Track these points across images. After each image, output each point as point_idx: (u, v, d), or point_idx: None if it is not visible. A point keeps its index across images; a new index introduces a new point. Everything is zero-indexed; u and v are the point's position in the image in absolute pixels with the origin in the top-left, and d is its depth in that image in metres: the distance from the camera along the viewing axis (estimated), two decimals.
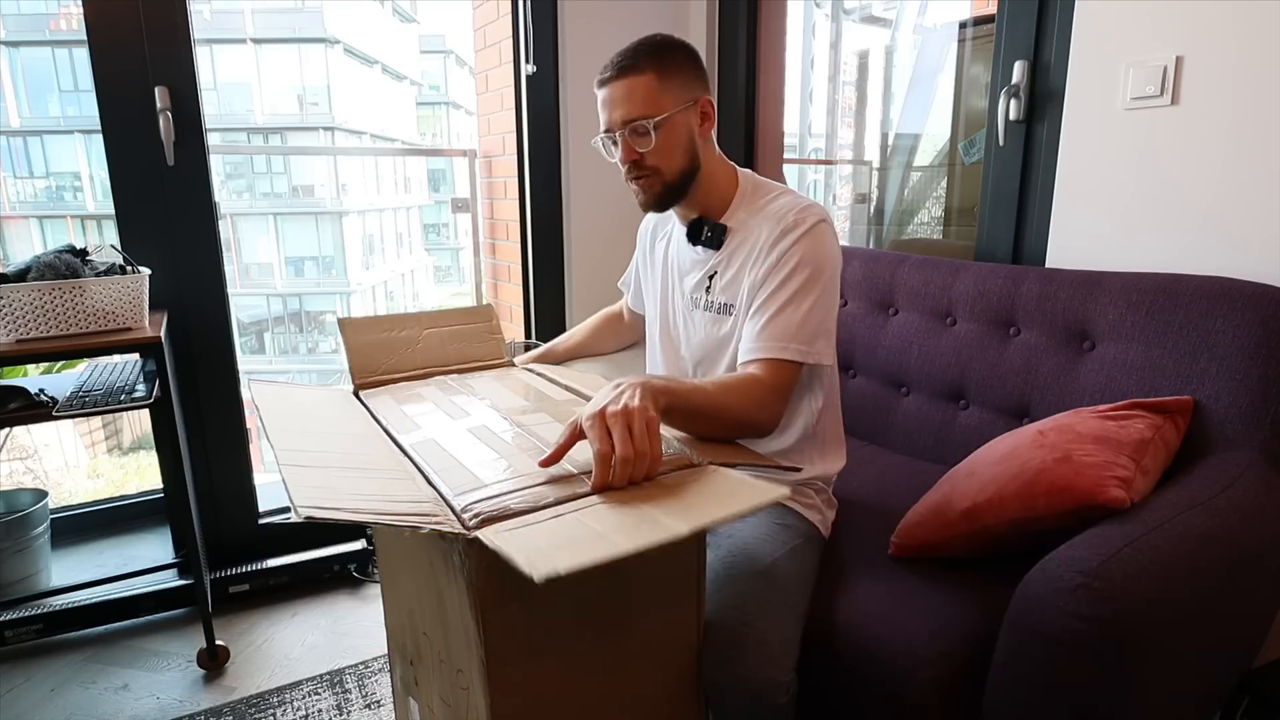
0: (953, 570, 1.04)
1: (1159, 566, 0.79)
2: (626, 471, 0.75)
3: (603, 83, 1.06)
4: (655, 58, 1.04)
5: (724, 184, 1.12)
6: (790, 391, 1.02)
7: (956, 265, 1.47)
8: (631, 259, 1.37)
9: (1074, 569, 0.79)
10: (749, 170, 1.16)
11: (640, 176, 1.08)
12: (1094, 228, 1.36)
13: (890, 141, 2.96)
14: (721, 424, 0.93)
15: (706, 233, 1.11)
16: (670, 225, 1.23)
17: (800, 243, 1.02)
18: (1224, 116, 1.18)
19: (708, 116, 1.08)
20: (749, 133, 2.25)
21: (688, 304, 1.17)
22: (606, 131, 1.08)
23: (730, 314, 1.10)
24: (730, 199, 1.12)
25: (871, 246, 2.60)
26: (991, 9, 1.61)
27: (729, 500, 0.72)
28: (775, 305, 1.01)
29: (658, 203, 1.10)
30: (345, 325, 1.17)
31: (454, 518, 0.70)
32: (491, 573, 0.70)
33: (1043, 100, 1.43)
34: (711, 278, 1.13)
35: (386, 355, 1.17)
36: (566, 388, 1.11)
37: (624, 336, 1.44)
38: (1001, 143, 1.49)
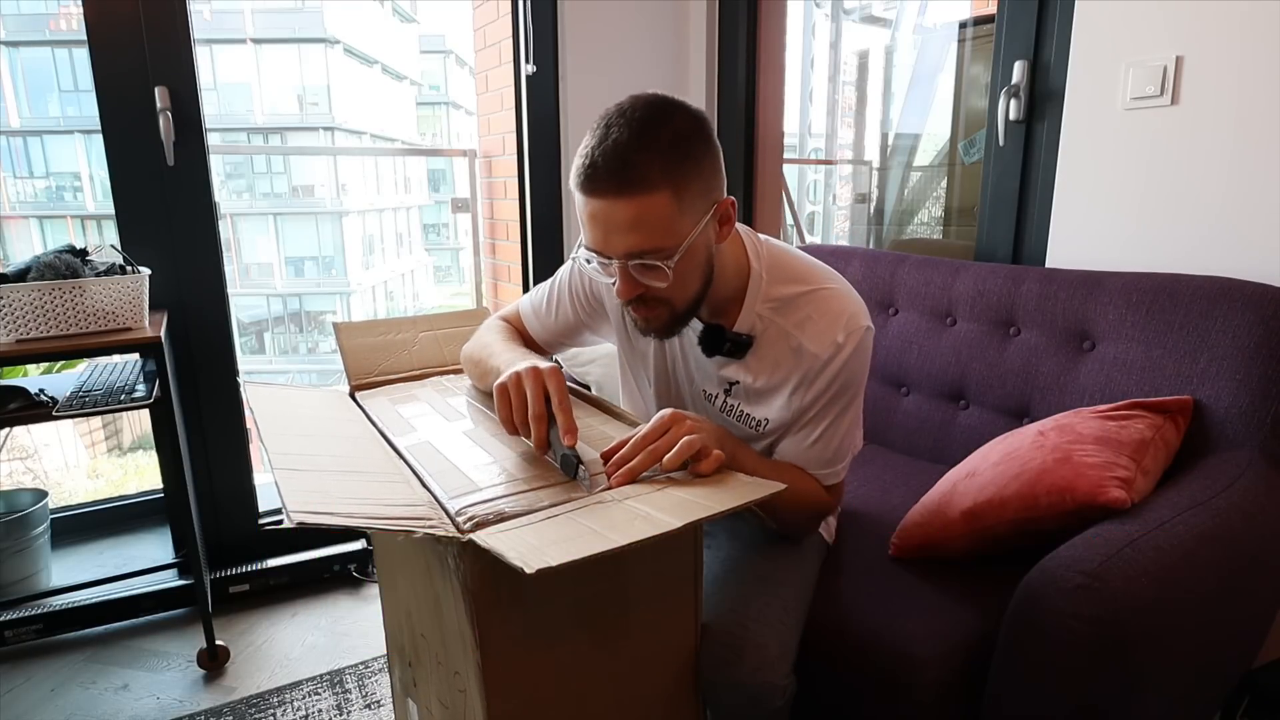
0: (953, 570, 1.03)
1: (1159, 567, 0.79)
2: (642, 453, 0.77)
3: (595, 192, 0.78)
4: (671, 166, 0.77)
5: (736, 274, 0.93)
6: (841, 500, 1.05)
7: (956, 265, 1.47)
8: (551, 296, 1.12)
9: (1074, 569, 0.79)
10: (753, 235, 0.97)
11: (644, 308, 0.87)
12: (1094, 228, 1.36)
13: (890, 141, 2.96)
14: (781, 510, 0.94)
15: (728, 346, 0.94)
16: None
17: (849, 362, 0.91)
18: (1224, 116, 1.18)
19: (728, 219, 0.86)
20: (749, 133, 2.25)
21: (698, 393, 1.03)
22: (594, 252, 0.83)
23: (755, 428, 0.98)
24: (744, 287, 0.94)
25: (871, 246, 2.60)
26: (991, 9, 1.61)
27: (723, 496, 0.72)
28: (822, 429, 0.93)
29: (666, 332, 0.92)
30: (340, 329, 1.17)
31: (448, 521, 0.70)
32: (486, 576, 0.70)
33: (1043, 100, 1.43)
34: (733, 384, 0.98)
35: (383, 357, 1.17)
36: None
37: None
38: (1001, 143, 1.49)
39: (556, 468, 0.80)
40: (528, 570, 0.57)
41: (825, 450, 0.95)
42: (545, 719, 0.79)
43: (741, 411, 0.99)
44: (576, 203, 0.82)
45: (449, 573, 0.74)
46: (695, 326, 0.96)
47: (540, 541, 0.64)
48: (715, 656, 0.85)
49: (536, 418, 0.81)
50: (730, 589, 0.93)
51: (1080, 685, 0.77)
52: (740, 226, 0.96)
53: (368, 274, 16.94)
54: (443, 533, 0.67)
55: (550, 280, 1.13)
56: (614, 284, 0.84)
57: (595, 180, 0.78)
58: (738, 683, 0.83)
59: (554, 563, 0.58)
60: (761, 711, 0.84)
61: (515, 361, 0.89)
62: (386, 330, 1.20)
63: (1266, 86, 1.13)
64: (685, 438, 0.77)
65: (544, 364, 0.87)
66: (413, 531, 0.66)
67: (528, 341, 1.14)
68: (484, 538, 0.65)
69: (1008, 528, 0.98)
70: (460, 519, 0.70)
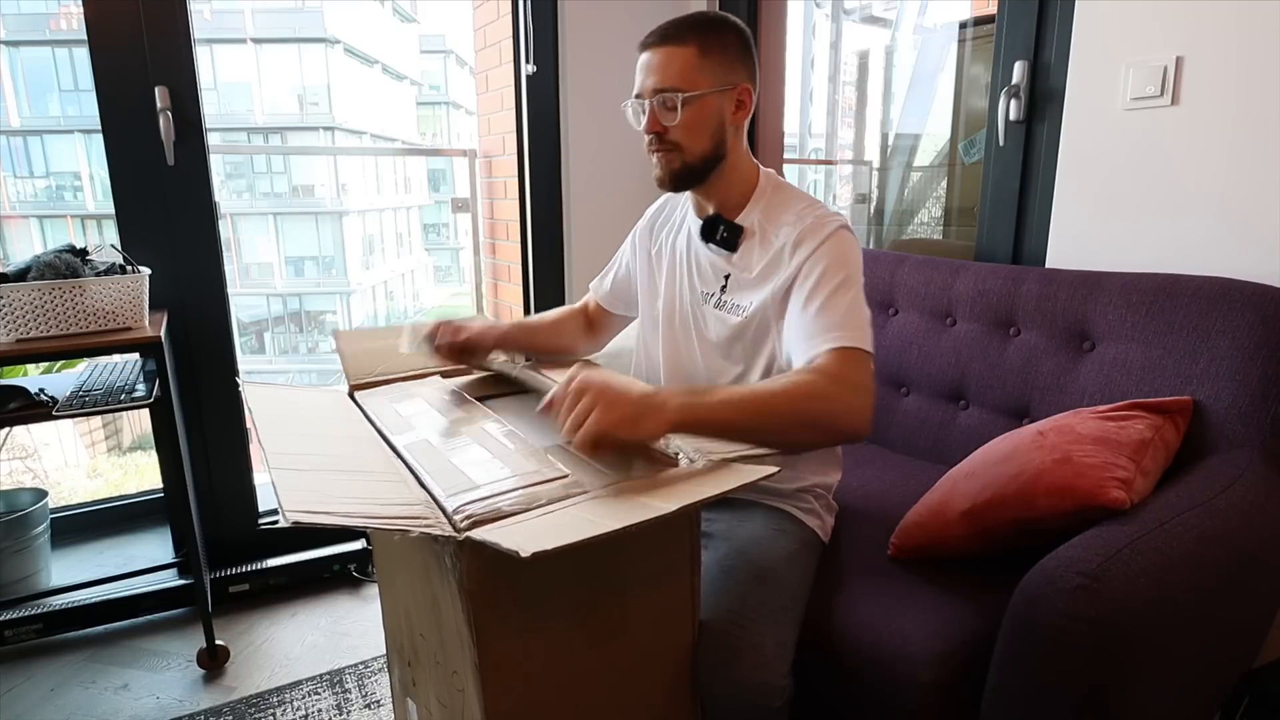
0: (952, 571, 1.03)
1: (1158, 567, 0.79)
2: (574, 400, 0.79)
3: (644, 47, 1.03)
4: (702, 32, 1.01)
5: (745, 179, 1.09)
6: (870, 381, 0.91)
7: (956, 265, 1.47)
8: (613, 258, 1.32)
9: (1073, 570, 0.79)
10: (772, 171, 1.13)
11: (661, 150, 1.04)
12: (1094, 228, 1.36)
13: (890, 141, 2.96)
14: (784, 427, 0.85)
15: (722, 233, 1.08)
16: (680, 217, 1.19)
17: (825, 246, 0.99)
18: (1224, 116, 1.18)
19: (743, 105, 1.05)
20: (749, 133, 2.25)
21: (698, 298, 1.14)
22: (637, 97, 1.04)
23: (739, 314, 1.07)
24: (749, 196, 1.09)
25: (871, 246, 2.60)
26: (991, 9, 1.61)
27: (716, 481, 0.72)
28: (820, 300, 0.96)
29: (674, 181, 1.06)
30: (340, 336, 1.17)
31: (445, 520, 0.70)
32: (483, 575, 0.70)
33: (1043, 100, 1.43)
34: (727, 277, 1.09)
35: (381, 359, 1.17)
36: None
37: (589, 335, 1.33)
38: (1001, 143, 1.49)
39: (556, 464, 0.80)
40: (523, 554, 0.56)
41: (830, 316, 0.94)
42: (543, 718, 0.79)
43: (733, 304, 1.09)
44: (637, 65, 1.04)
45: (446, 572, 0.74)
46: (698, 227, 1.12)
47: (536, 532, 0.64)
48: (712, 657, 0.86)
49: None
50: (726, 589, 0.93)
51: (1079, 686, 0.77)
52: (761, 166, 1.13)
53: (368, 274, 16.94)
54: (439, 532, 0.67)
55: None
56: (642, 126, 1.03)
57: (649, 37, 1.03)
58: (735, 683, 0.83)
59: (549, 546, 0.58)
60: (759, 712, 0.84)
61: None
62: (386, 336, 1.21)
63: (1266, 86, 1.13)
64: (582, 403, 0.78)
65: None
66: (409, 531, 0.66)
67: (591, 314, 1.34)
68: (480, 533, 0.65)
69: (1007, 528, 0.98)
70: (457, 517, 0.69)
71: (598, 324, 1.34)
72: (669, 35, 1.01)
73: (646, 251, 1.24)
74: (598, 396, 0.78)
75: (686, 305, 1.15)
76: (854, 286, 0.98)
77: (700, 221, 1.11)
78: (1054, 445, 0.98)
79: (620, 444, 0.79)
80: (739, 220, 1.08)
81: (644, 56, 1.03)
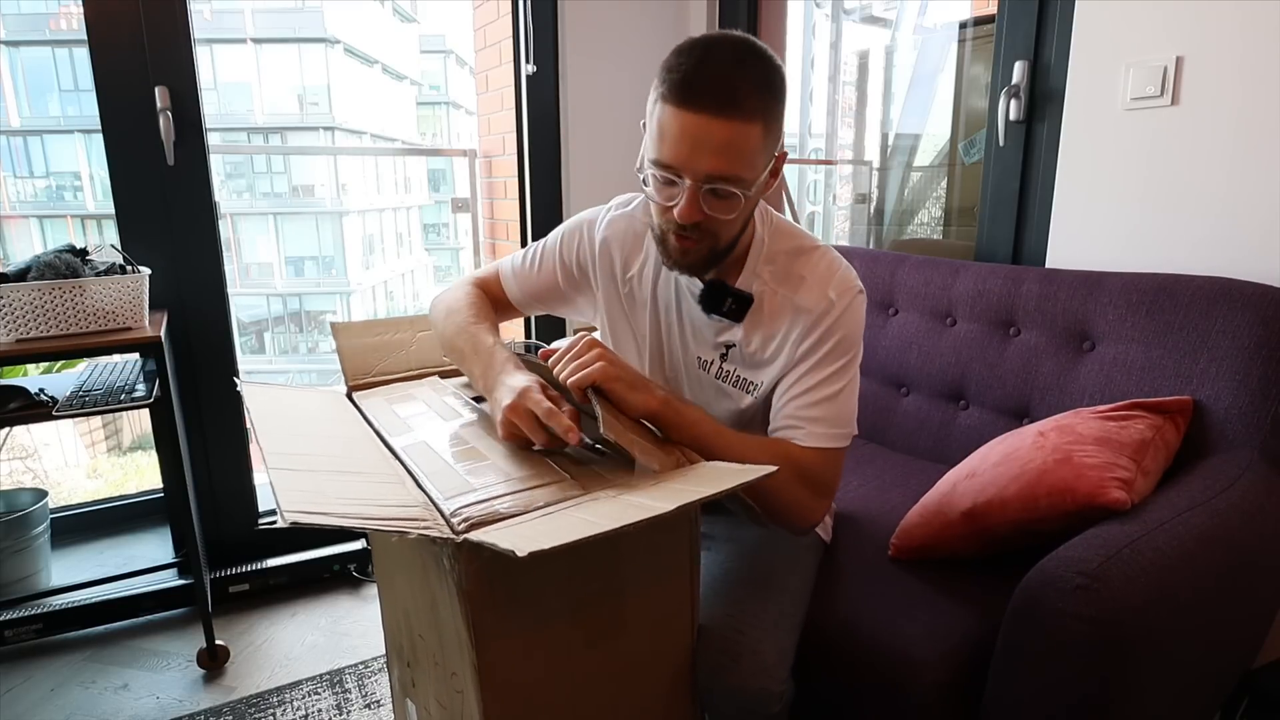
0: (953, 571, 1.03)
1: (1159, 567, 0.79)
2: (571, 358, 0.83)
3: (692, 105, 0.78)
4: (766, 102, 0.80)
5: (748, 233, 0.95)
6: (838, 480, 0.94)
7: (956, 265, 1.47)
8: (535, 260, 1.11)
9: (1074, 570, 0.79)
10: (763, 204, 0.99)
11: (689, 238, 0.85)
12: (1094, 228, 1.36)
13: (890, 141, 2.96)
14: (755, 492, 0.84)
15: (730, 304, 0.93)
16: (655, 260, 1.00)
17: (840, 320, 0.91)
18: (1224, 117, 1.18)
19: (777, 173, 0.88)
20: None
21: (692, 362, 1.02)
22: (667, 167, 0.82)
23: (749, 391, 0.98)
24: (748, 248, 0.95)
25: (871, 246, 2.60)
26: (991, 9, 1.61)
27: (714, 481, 0.72)
28: (817, 378, 0.92)
29: (695, 269, 0.90)
30: (338, 329, 1.17)
31: (443, 522, 0.70)
32: (481, 577, 0.70)
33: (1043, 100, 1.43)
34: (730, 348, 0.98)
35: (380, 358, 1.17)
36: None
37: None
38: (1001, 143, 1.49)
39: (554, 467, 0.80)
40: (519, 554, 0.56)
41: (824, 407, 0.92)
42: (542, 719, 0.79)
43: (738, 376, 0.98)
44: (660, 115, 0.81)
45: (444, 574, 0.74)
46: (695, 288, 0.96)
47: (533, 533, 0.64)
48: (712, 662, 0.85)
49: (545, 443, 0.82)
50: (726, 593, 0.93)
51: (1080, 686, 0.77)
52: None
53: (368, 274, 16.93)
54: (437, 534, 0.67)
55: (538, 243, 1.12)
56: (674, 205, 0.82)
57: (700, 94, 0.77)
58: (734, 688, 0.83)
59: (545, 546, 0.58)
60: (758, 717, 0.83)
61: (497, 379, 0.88)
62: (384, 330, 1.20)
63: (1266, 86, 1.13)
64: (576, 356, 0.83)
65: (521, 382, 0.85)
66: (407, 532, 0.66)
67: (500, 305, 1.13)
68: (478, 535, 0.65)
69: (1008, 528, 0.98)
70: (455, 520, 0.69)
71: (503, 312, 1.16)
72: (735, 104, 0.77)
73: (614, 287, 1.05)
74: (605, 354, 0.84)
75: (680, 367, 1.04)
76: (853, 367, 0.95)
77: (698, 283, 0.95)
78: (1054, 445, 0.98)
79: (605, 404, 0.82)
80: (741, 283, 0.95)
81: (693, 121, 0.78)
